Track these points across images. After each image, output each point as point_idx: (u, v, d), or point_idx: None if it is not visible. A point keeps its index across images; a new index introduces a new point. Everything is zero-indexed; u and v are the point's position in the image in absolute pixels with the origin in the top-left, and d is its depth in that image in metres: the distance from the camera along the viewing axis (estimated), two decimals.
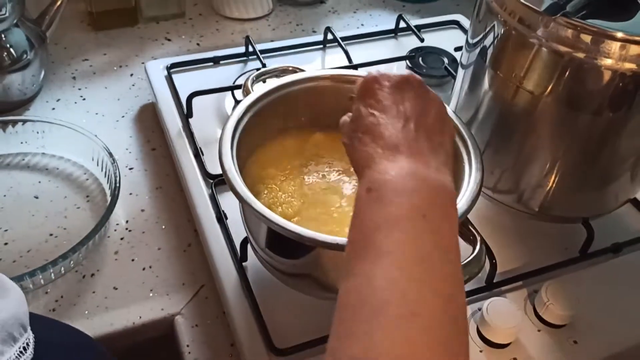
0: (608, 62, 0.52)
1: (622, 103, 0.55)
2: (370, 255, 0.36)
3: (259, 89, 0.58)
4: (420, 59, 0.87)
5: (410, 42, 0.92)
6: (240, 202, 0.51)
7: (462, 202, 0.51)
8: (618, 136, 0.58)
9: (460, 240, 0.52)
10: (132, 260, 0.67)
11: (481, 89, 0.63)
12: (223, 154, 0.52)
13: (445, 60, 0.87)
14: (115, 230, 0.70)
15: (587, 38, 0.52)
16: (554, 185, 0.62)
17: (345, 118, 0.47)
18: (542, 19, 0.52)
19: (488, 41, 0.60)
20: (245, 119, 0.55)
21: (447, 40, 0.92)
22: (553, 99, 0.56)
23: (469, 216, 0.51)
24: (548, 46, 0.54)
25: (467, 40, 0.66)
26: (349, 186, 0.57)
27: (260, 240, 0.56)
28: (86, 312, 0.62)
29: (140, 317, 0.62)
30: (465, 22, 0.97)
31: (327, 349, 0.34)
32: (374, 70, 0.46)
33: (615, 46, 0.51)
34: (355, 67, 0.82)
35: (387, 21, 1.03)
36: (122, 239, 0.69)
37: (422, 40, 0.89)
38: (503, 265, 0.63)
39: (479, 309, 0.59)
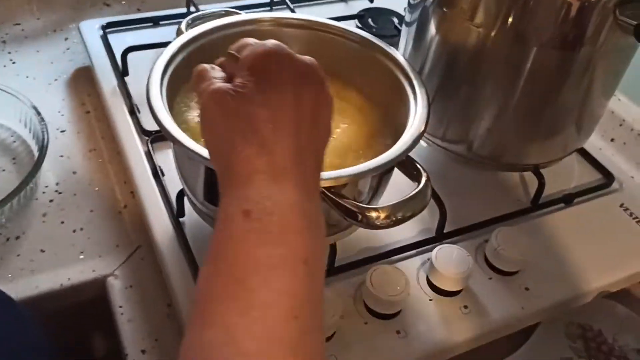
0: None
1: (571, 36, 0.53)
2: (241, 305, 0.30)
3: (194, 30, 0.54)
4: (370, 19, 0.85)
5: (359, 5, 0.89)
6: (172, 143, 0.47)
7: (407, 136, 0.48)
8: (567, 75, 0.56)
9: (403, 177, 0.50)
10: (62, 222, 0.63)
11: (428, 36, 0.60)
12: (151, 93, 0.48)
13: (395, 20, 0.85)
14: (44, 192, 0.65)
15: None
16: (504, 131, 0.61)
17: (213, 72, 0.39)
18: None
19: None
20: (177, 61, 0.52)
21: (395, 2, 0.90)
22: (501, 34, 0.54)
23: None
24: None
25: None
26: None
27: (197, 191, 0.52)
28: (9, 275, 0.57)
29: (69, 279, 0.58)
30: None
31: None
32: (270, 42, 0.38)
33: None
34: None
35: None
36: (51, 201, 0.64)
37: (371, 1, 0.86)
38: (453, 216, 0.61)
39: (429, 259, 0.56)
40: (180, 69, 0.52)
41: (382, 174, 0.49)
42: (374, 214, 0.43)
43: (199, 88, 0.38)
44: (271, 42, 0.38)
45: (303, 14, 0.60)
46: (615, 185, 0.69)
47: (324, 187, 0.44)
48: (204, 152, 0.44)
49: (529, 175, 0.67)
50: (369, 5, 0.88)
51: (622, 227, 0.64)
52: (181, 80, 0.53)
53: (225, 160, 0.36)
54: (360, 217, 0.43)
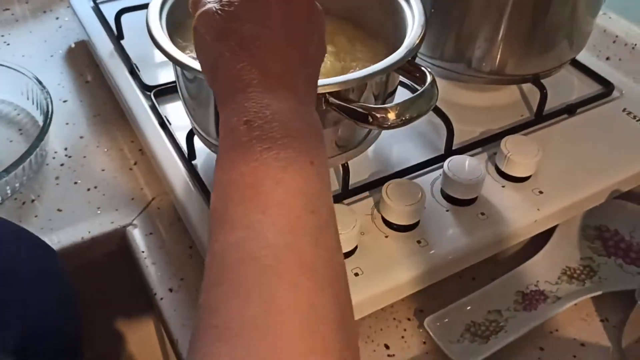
0: None
1: None
2: (260, 204, 0.31)
3: None
4: None
5: None
6: (178, 73, 0.48)
7: (406, 42, 0.49)
8: None
9: (405, 81, 0.50)
10: (75, 183, 0.63)
11: None
12: (151, 21, 0.48)
13: None
14: (53, 158, 0.66)
15: None
16: (500, 46, 0.61)
17: None
18: None
19: None
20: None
21: None
22: None
23: None
24: None
25: None
26: None
27: (209, 123, 0.52)
28: None
29: (89, 232, 0.58)
30: None
31: (203, 308, 0.29)
32: None
33: None
34: None
35: None
36: (61, 165, 0.65)
37: None
38: (460, 136, 0.61)
39: (441, 175, 0.57)
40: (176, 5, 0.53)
41: (386, 82, 0.50)
42: (382, 114, 0.44)
43: (194, 13, 0.38)
44: None
45: None
46: (615, 93, 0.69)
47: (330, 93, 0.45)
48: None
49: (529, 91, 0.67)
50: None
51: (627, 130, 0.64)
52: (180, 16, 0.53)
53: (219, 79, 0.36)
54: (370, 118, 0.44)
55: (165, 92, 0.66)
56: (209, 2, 0.37)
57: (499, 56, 0.62)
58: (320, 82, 0.42)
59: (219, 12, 0.36)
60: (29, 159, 0.60)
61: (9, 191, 0.60)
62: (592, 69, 0.71)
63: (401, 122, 0.44)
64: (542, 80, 0.64)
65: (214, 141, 0.54)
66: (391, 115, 0.44)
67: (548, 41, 0.62)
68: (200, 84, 0.49)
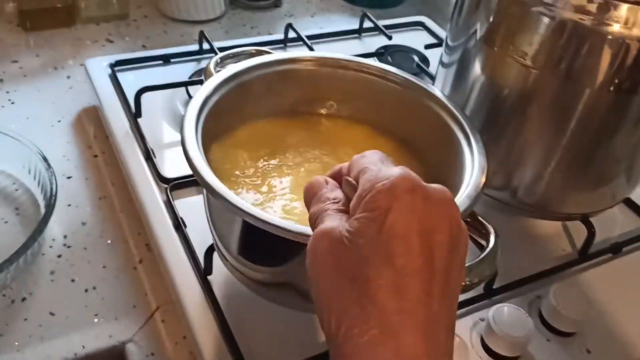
0: (616, 28, 0.47)
1: (628, 79, 0.50)
2: None
3: (230, 68, 0.50)
4: (389, 57, 0.81)
5: (375, 42, 0.86)
6: (209, 195, 0.42)
7: (466, 191, 0.44)
8: (621, 121, 0.53)
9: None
10: (72, 280, 0.57)
11: (470, 77, 0.57)
12: (186, 137, 0.43)
13: (416, 58, 0.82)
14: (51, 247, 0.59)
15: (593, 5, 0.47)
16: (551, 178, 0.57)
17: (327, 192, 0.34)
18: None
19: (479, 23, 0.54)
20: (212, 101, 0.47)
21: (413, 40, 0.87)
22: (553, 74, 0.51)
23: None
24: (552, 14, 0.48)
25: (447, 36, 0.61)
26: None
27: (232, 246, 0.47)
28: (16, 343, 0.51)
29: (83, 347, 0.52)
30: (431, 24, 0.92)
31: None
32: (396, 174, 0.30)
33: (624, 10, 0.47)
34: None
35: (347, 25, 0.97)
36: (59, 256, 0.59)
37: (389, 38, 0.83)
38: (500, 269, 0.56)
39: (481, 319, 0.52)
40: (214, 112, 0.48)
41: None
42: None
43: (309, 207, 0.34)
44: (397, 173, 0.31)
45: (334, 53, 0.56)
46: None
47: None
48: (257, 212, 0.39)
49: (571, 222, 0.63)
50: (386, 42, 0.84)
51: None
52: (216, 123, 0.48)
53: (336, 326, 0.29)
54: None
55: (183, 185, 0.60)
56: (331, 208, 0.32)
57: (546, 191, 0.57)
58: None
59: (348, 243, 0.30)
60: (24, 254, 0.53)
61: None
62: (638, 203, 0.67)
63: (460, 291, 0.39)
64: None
65: (236, 264, 0.48)
66: None
67: (604, 176, 0.58)
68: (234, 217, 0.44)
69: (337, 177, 0.36)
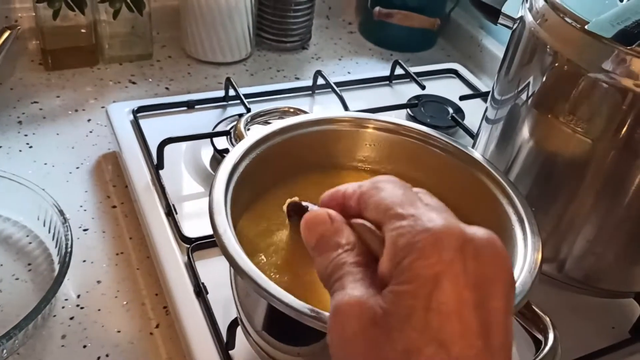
0: None
1: None
2: None
3: (262, 129, 0.47)
4: (422, 108, 0.78)
5: (407, 90, 0.82)
6: (238, 276, 0.38)
7: (520, 277, 0.40)
8: None
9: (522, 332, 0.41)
10: (84, 346, 0.53)
11: (517, 138, 0.53)
12: (215, 210, 0.39)
13: (450, 109, 0.78)
14: (63, 307, 0.56)
15: None
16: (602, 252, 0.53)
17: (338, 236, 0.28)
18: (613, 50, 0.43)
19: (530, 81, 0.51)
20: (243, 166, 0.43)
21: (446, 89, 0.83)
22: (610, 143, 0.47)
23: None
24: (611, 81, 0.45)
25: (494, 88, 0.57)
26: None
27: (256, 322, 0.43)
28: None
29: None
30: (464, 72, 0.89)
31: None
32: (439, 221, 0.25)
33: None
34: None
35: (374, 69, 0.95)
36: (71, 318, 0.55)
37: (423, 87, 0.80)
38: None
39: None
40: (244, 178, 0.44)
41: None
42: None
43: (314, 251, 0.28)
44: (440, 224, 0.25)
45: (370, 114, 0.53)
46: None
47: None
48: (289, 299, 0.35)
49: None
50: (418, 91, 0.81)
51: None
52: (246, 191, 0.44)
53: None
54: None
55: (205, 246, 0.57)
56: (354, 272, 0.26)
57: (597, 267, 0.53)
58: None
59: (387, 322, 0.24)
60: (35, 319, 0.50)
61: (4, 353, 0.50)
62: None
63: None
64: None
65: (259, 341, 0.44)
66: None
67: None
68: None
69: (338, 205, 0.30)
